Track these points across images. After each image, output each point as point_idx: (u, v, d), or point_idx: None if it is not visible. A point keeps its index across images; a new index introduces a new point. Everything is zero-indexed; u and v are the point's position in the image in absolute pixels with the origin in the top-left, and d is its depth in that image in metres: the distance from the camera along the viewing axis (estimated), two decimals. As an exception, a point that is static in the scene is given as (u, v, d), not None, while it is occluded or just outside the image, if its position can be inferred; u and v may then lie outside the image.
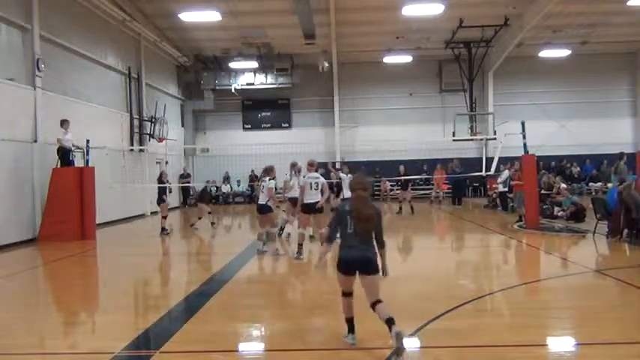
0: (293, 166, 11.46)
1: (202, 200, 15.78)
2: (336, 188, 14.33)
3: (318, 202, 9.79)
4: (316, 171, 10.34)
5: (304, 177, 10.29)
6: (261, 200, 10.01)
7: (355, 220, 4.69)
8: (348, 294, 4.94)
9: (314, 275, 8.28)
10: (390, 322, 4.55)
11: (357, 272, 4.76)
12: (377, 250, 4.79)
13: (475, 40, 23.04)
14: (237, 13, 19.04)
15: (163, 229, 13.86)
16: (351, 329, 4.92)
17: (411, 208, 17.89)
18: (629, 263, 8.92)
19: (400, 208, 18.38)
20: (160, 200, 14.00)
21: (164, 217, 14.01)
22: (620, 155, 14.64)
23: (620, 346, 4.76)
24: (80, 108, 15.41)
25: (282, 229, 12.31)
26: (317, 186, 9.76)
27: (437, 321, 5.46)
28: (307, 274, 8.77)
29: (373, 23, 21.06)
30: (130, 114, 19.27)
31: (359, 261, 4.70)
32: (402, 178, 18.59)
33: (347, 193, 11.66)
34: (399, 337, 4.39)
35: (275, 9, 19.16)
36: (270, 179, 9.96)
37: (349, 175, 12.27)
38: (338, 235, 4.92)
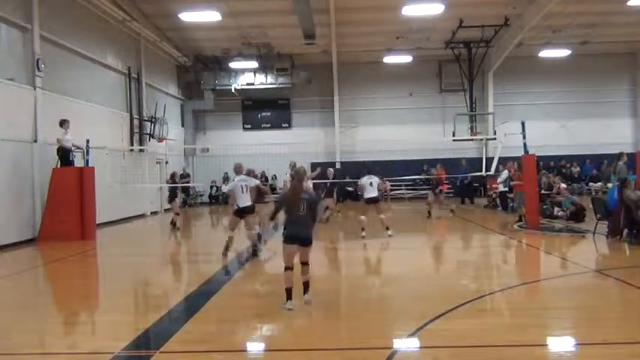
0: (293, 166, 11.55)
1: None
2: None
3: (248, 205, 9.75)
4: (247, 174, 10.24)
5: (234, 180, 10.14)
6: (245, 202, 9.63)
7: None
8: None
9: (314, 275, 8.27)
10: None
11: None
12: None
13: (475, 40, 23.05)
14: (237, 13, 19.04)
15: (174, 224, 14.74)
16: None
17: (429, 212, 16.48)
18: (629, 263, 8.92)
19: (429, 213, 16.55)
20: (171, 199, 15.16)
21: (177, 214, 14.99)
22: (620, 155, 14.64)
23: (620, 346, 4.76)
24: (80, 108, 15.41)
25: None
26: (246, 189, 9.66)
27: (437, 321, 5.46)
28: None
29: (373, 23, 21.07)
30: (130, 114, 19.27)
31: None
32: (432, 177, 17.27)
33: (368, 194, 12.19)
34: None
35: (275, 9, 19.16)
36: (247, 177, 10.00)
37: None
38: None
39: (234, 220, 9.96)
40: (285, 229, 6.20)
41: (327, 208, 16.99)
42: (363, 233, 12.02)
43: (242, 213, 9.76)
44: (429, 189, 17.48)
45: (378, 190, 12.44)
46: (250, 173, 10.46)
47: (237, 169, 10.15)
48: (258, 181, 10.40)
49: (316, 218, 6.43)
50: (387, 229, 12.09)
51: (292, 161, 13.25)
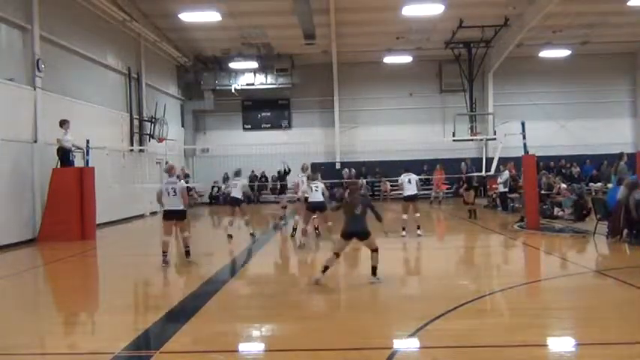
0: (306, 169, 11.72)
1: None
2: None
3: (181, 209, 9.25)
4: (178, 177, 10.13)
5: (172, 182, 9.69)
6: (173, 205, 9.19)
7: None
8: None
9: (313, 276, 8.28)
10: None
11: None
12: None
13: (475, 41, 23.04)
14: (237, 13, 19.05)
15: None
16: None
17: (474, 212, 15.77)
18: (629, 263, 8.91)
19: (472, 212, 15.77)
20: None
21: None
22: (620, 155, 14.65)
23: (620, 346, 4.75)
24: (80, 108, 15.41)
25: (294, 230, 12.43)
26: (173, 192, 9.08)
27: (437, 321, 5.45)
28: (306, 275, 8.77)
29: (373, 23, 21.06)
30: (130, 114, 19.26)
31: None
32: (464, 175, 16.55)
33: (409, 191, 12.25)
34: None
35: (275, 9, 19.16)
36: (182, 179, 9.82)
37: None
38: None
39: (168, 225, 9.30)
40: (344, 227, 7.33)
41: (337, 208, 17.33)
42: (404, 232, 11.90)
43: (171, 216, 9.20)
44: (466, 189, 16.47)
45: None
46: (179, 176, 10.22)
47: (169, 171, 9.56)
48: (184, 185, 9.55)
49: (377, 216, 7.66)
50: (418, 227, 12.13)
51: (305, 163, 13.20)
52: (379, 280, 7.26)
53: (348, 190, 7.71)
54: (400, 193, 13.27)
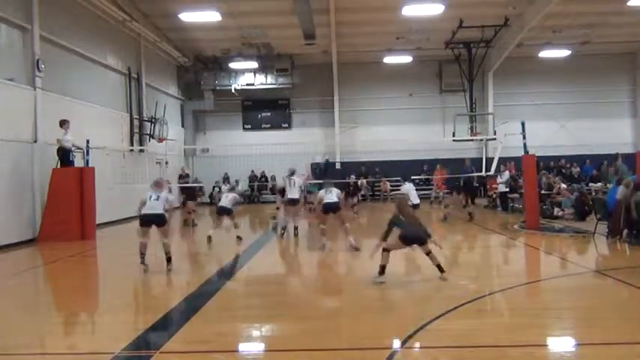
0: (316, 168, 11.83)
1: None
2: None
3: (160, 212, 8.70)
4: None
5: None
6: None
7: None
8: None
9: (313, 276, 8.29)
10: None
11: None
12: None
13: (475, 41, 23.04)
14: (237, 13, 19.05)
15: (191, 222, 15.66)
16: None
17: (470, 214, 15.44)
18: (629, 263, 8.92)
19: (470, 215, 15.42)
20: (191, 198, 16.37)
21: (190, 212, 15.89)
22: (616, 156, 14.73)
23: (620, 346, 4.75)
24: (80, 108, 15.41)
25: (283, 229, 12.55)
26: (157, 198, 8.73)
27: (437, 321, 5.45)
28: (306, 275, 8.77)
29: (373, 23, 21.06)
30: (130, 114, 19.27)
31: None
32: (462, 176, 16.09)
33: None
34: None
35: (275, 9, 19.16)
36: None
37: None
38: None
39: (144, 230, 8.80)
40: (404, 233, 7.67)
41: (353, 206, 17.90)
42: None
43: (149, 222, 8.74)
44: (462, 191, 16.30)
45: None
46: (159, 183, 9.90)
47: (157, 186, 9.05)
48: (171, 197, 9.38)
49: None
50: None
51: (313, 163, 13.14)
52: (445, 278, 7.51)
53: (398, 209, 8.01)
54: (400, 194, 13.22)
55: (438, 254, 7.65)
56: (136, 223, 9.03)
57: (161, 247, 8.79)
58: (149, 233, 8.85)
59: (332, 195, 10.87)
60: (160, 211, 8.72)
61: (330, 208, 10.89)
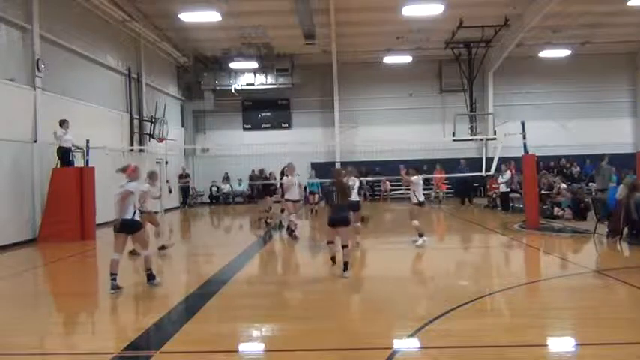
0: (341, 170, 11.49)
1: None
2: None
3: (129, 218, 8.15)
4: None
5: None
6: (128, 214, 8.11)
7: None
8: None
9: (313, 276, 8.28)
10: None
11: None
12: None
13: (475, 41, 23.03)
14: (237, 13, 19.04)
15: (267, 221, 15.20)
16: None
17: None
18: (629, 263, 8.92)
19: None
20: (263, 196, 15.62)
21: (266, 211, 15.39)
22: (602, 157, 14.85)
23: (620, 346, 4.75)
24: (80, 108, 15.41)
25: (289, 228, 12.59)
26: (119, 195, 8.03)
27: (437, 321, 5.45)
28: (306, 275, 8.77)
29: (373, 23, 21.06)
30: (130, 114, 19.27)
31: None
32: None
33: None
34: None
35: (275, 9, 19.16)
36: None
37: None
38: None
39: (116, 238, 8.02)
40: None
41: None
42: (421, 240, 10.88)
43: (121, 229, 7.97)
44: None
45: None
46: (153, 175, 9.86)
47: (124, 171, 8.31)
48: (132, 188, 8.17)
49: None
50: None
51: (338, 168, 12.51)
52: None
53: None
54: (400, 194, 13.18)
55: (352, 251, 7.91)
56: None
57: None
58: (123, 245, 8.04)
59: (354, 192, 10.47)
60: (128, 215, 7.74)
61: (351, 207, 10.63)
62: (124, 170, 8.06)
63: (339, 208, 8.14)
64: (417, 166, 12.36)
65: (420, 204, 11.00)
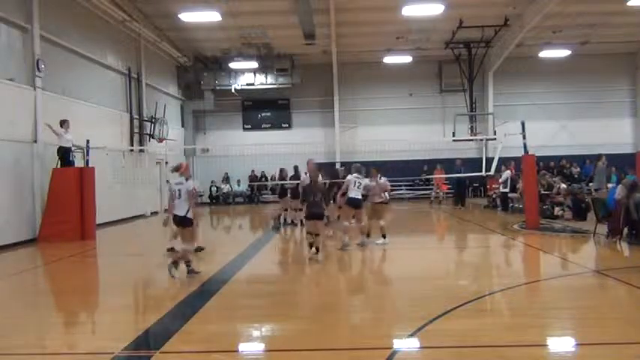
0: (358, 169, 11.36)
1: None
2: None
3: (182, 215, 8.04)
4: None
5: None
6: (179, 210, 8.05)
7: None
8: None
9: (313, 276, 8.29)
10: None
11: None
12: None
13: (475, 41, 23.02)
14: (237, 13, 19.03)
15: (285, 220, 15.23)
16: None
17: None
18: (629, 263, 8.93)
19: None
20: (283, 194, 15.25)
21: (285, 210, 15.30)
22: (599, 156, 14.90)
23: (620, 346, 4.75)
24: (80, 108, 15.40)
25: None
26: (178, 194, 8.03)
27: (437, 321, 5.45)
28: (307, 275, 8.78)
29: (373, 23, 21.05)
30: (130, 114, 19.26)
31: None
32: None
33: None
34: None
35: (275, 9, 19.15)
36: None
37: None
38: None
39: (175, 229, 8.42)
40: None
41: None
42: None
43: (176, 224, 8.20)
44: None
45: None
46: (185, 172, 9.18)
47: (178, 170, 8.40)
48: (192, 184, 8.26)
49: None
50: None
51: (315, 167, 11.37)
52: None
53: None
54: (401, 193, 13.14)
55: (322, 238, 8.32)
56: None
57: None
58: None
59: (359, 190, 10.48)
60: (182, 212, 7.93)
61: (355, 206, 10.60)
62: (177, 169, 8.50)
63: (314, 205, 9.41)
64: (377, 166, 12.25)
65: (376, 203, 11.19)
